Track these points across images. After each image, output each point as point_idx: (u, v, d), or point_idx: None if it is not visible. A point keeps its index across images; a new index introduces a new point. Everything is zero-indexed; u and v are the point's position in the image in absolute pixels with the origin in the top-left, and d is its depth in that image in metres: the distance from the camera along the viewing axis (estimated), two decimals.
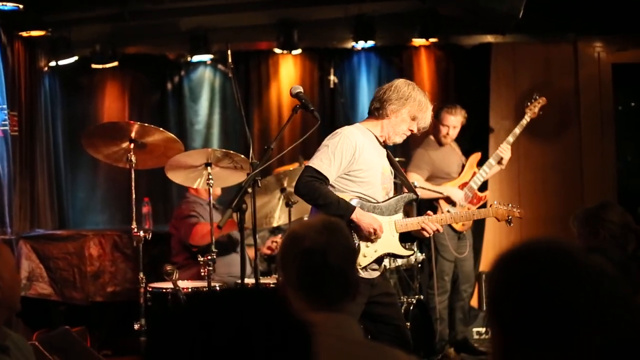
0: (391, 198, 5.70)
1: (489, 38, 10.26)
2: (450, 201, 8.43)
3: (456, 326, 8.85)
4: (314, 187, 5.37)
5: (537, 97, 8.67)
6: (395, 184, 6.01)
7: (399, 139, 5.81)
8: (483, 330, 9.32)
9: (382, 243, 5.59)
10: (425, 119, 5.78)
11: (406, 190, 6.05)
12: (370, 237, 5.50)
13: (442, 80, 10.63)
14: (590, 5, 9.92)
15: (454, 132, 8.60)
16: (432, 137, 8.66)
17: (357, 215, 5.42)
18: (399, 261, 7.33)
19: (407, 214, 6.00)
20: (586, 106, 10.26)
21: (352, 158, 5.50)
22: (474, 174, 8.57)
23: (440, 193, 8.36)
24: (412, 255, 6.13)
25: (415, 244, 6.56)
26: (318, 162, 5.44)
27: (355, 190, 5.56)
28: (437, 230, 5.76)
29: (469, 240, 8.71)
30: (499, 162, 8.51)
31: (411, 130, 5.78)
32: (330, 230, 3.20)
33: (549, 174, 10.12)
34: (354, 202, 5.47)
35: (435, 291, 8.48)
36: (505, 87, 10.31)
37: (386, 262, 5.90)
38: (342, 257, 3.16)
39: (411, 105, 5.71)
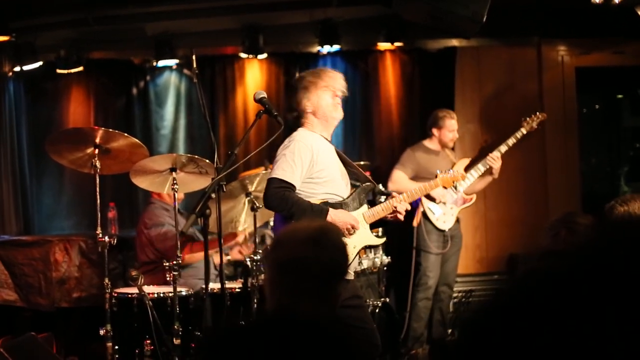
0: (352, 193, 5.76)
1: (454, 42, 10.31)
2: (430, 197, 8.55)
3: (433, 328, 8.92)
4: (284, 197, 5.40)
5: (538, 113, 8.80)
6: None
7: (337, 115, 5.84)
8: None
9: (358, 237, 5.67)
10: (334, 78, 5.82)
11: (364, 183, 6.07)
12: (349, 233, 5.57)
13: (408, 84, 10.66)
14: (553, 9, 10.01)
15: (455, 136, 8.80)
16: (424, 142, 8.79)
17: (332, 216, 5.48)
18: (365, 264, 7.42)
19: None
20: (550, 109, 10.31)
21: (311, 161, 5.55)
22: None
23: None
24: (383, 241, 6.16)
25: (380, 231, 6.62)
26: (281, 171, 5.47)
27: (322, 192, 5.60)
28: (407, 209, 5.86)
29: (457, 242, 8.82)
30: (490, 172, 8.61)
31: (337, 96, 5.81)
32: (315, 242, 3.19)
33: (513, 177, 10.18)
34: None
35: (410, 286, 8.57)
36: (470, 90, 10.37)
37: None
38: (323, 271, 3.16)
39: (317, 86, 5.76)
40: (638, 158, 11.50)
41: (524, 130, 8.74)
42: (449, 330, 9.19)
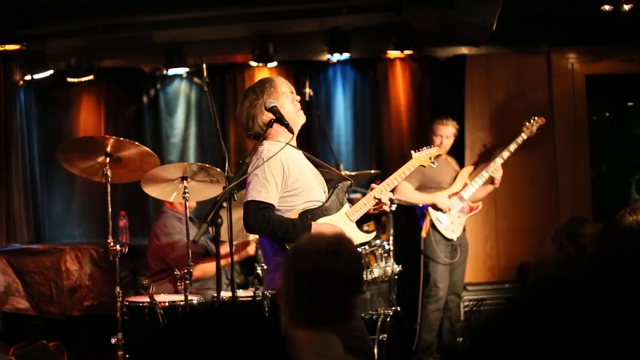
0: (331, 195, 5.66)
1: (464, 50, 10.30)
2: (437, 208, 8.57)
3: (443, 337, 8.92)
4: (264, 219, 5.26)
5: (536, 117, 8.81)
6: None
7: (299, 120, 5.69)
8: None
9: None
10: (286, 83, 5.68)
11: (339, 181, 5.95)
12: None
13: (417, 92, 10.66)
14: (563, 16, 10.00)
15: (447, 142, 8.83)
16: None
17: (316, 228, 5.37)
18: (376, 272, 7.39)
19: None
20: (560, 117, 10.32)
21: (284, 174, 5.39)
22: (465, 184, 8.71)
23: (427, 202, 8.55)
24: (374, 235, 6.05)
25: (370, 225, 6.56)
26: (255, 193, 5.30)
27: (301, 202, 5.48)
28: (390, 197, 5.80)
29: (463, 251, 8.81)
30: (492, 182, 8.63)
31: (296, 100, 5.68)
32: (335, 254, 3.17)
33: (524, 185, 10.17)
34: (302, 216, 5.45)
35: (420, 297, 8.57)
36: (480, 98, 10.35)
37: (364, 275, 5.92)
38: (338, 286, 3.14)
39: (268, 89, 5.58)
40: None
41: (524, 136, 8.77)
42: (459, 339, 9.18)
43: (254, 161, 5.44)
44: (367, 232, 5.82)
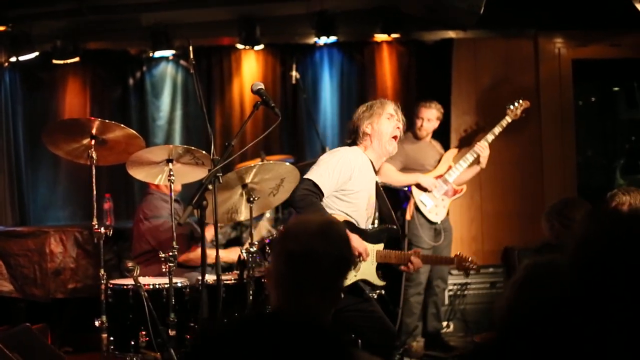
0: (377, 227, 5.86)
1: (451, 34, 10.29)
2: (421, 188, 8.57)
3: (428, 321, 8.93)
4: (311, 203, 5.46)
5: (521, 100, 8.81)
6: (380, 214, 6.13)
7: (391, 149, 5.97)
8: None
9: (362, 269, 5.74)
10: (394, 117, 5.96)
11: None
12: (355, 259, 5.60)
13: (404, 76, 10.65)
14: (550, 1, 9.99)
15: (428, 125, 8.82)
16: (410, 132, 8.77)
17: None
18: None
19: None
20: (546, 101, 10.32)
21: (348, 178, 5.66)
22: (449, 167, 8.70)
23: (411, 181, 8.55)
24: (383, 286, 6.26)
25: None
26: (317, 176, 5.56)
27: (340, 208, 5.66)
28: (419, 266, 6.01)
29: (447, 235, 8.81)
30: (478, 162, 8.62)
31: (398, 128, 5.96)
32: (324, 235, 3.17)
33: (509, 169, 10.18)
34: (345, 222, 5.59)
35: (403, 282, 8.56)
36: (466, 82, 10.35)
37: None
38: (328, 266, 3.14)
39: (379, 115, 5.89)
40: (634, 151, 11.50)
41: (508, 119, 8.76)
42: (444, 323, 9.20)
43: (334, 149, 5.90)
44: (380, 278, 6.01)
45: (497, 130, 8.68)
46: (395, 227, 6.03)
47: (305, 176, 5.64)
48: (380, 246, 5.88)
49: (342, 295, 3.29)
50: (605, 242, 2.15)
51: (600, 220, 2.27)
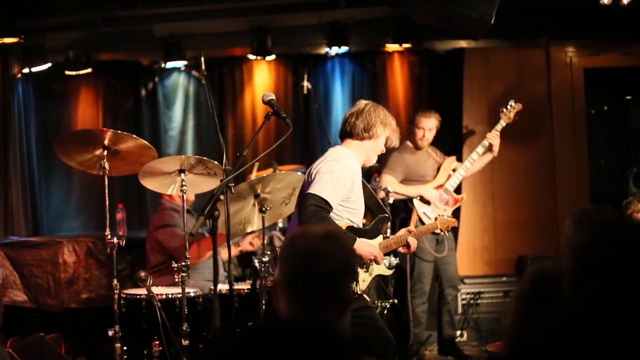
0: (372, 222, 5.87)
1: (462, 43, 10.29)
2: (424, 200, 8.54)
3: (443, 329, 8.91)
4: (322, 218, 5.40)
5: (513, 103, 8.79)
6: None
7: (374, 160, 6.02)
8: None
9: (374, 266, 5.74)
10: (395, 139, 6.02)
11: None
12: (370, 264, 5.65)
13: (416, 86, 10.65)
14: (562, 10, 10.00)
15: (429, 135, 8.77)
16: (408, 142, 8.77)
17: (358, 245, 5.56)
18: (374, 265, 7.43)
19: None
20: (559, 110, 10.32)
21: (350, 188, 5.63)
22: (449, 176, 8.68)
23: (413, 194, 8.51)
24: (393, 271, 6.28)
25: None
26: (325, 191, 5.49)
27: (346, 217, 5.69)
28: (415, 245, 6.04)
29: (450, 242, 8.77)
30: (490, 150, 8.60)
31: (382, 151, 6.01)
32: (330, 240, 3.21)
33: (522, 178, 10.17)
34: (349, 229, 5.63)
35: (408, 293, 8.53)
36: (478, 91, 10.35)
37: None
38: (336, 268, 3.16)
39: (389, 128, 5.92)
40: None
41: (503, 123, 8.75)
42: (458, 332, 9.19)
43: (331, 157, 5.72)
44: (388, 267, 6.05)
45: (495, 130, 8.69)
46: (386, 215, 6.06)
47: (310, 191, 5.52)
48: (380, 238, 5.90)
49: (349, 303, 3.32)
50: (606, 248, 2.16)
51: (597, 226, 2.27)
